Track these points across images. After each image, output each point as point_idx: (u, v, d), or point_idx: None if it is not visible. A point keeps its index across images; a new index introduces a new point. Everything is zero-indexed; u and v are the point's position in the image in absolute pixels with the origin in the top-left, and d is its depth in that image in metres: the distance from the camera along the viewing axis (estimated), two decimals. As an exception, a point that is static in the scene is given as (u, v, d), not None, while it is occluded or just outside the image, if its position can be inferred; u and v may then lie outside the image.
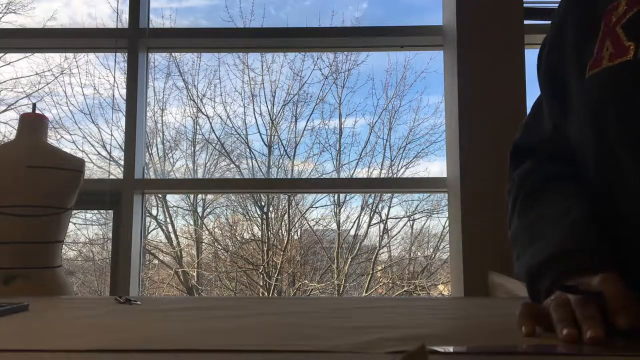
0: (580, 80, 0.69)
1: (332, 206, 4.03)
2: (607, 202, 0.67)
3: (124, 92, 2.77)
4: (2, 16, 3.68)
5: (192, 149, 3.89)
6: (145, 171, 2.74)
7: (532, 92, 2.23)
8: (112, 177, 3.05)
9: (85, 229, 3.96)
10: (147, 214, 3.60)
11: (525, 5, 2.31)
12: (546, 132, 0.79)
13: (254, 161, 3.85)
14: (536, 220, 0.72)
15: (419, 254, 4.16)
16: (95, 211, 3.66)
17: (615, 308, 0.50)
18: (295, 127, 3.81)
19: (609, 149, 0.65)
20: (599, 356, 0.45)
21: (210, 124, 3.82)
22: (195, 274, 4.02)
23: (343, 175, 3.85)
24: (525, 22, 2.30)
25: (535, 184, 0.77)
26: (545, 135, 0.79)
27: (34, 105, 1.75)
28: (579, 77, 0.69)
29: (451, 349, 0.48)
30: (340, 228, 4.01)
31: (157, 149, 3.86)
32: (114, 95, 3.35)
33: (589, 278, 0.56)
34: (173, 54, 3.59)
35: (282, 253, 3.99)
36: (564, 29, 0.76)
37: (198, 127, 3.88)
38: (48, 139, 1.77)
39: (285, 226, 4.03)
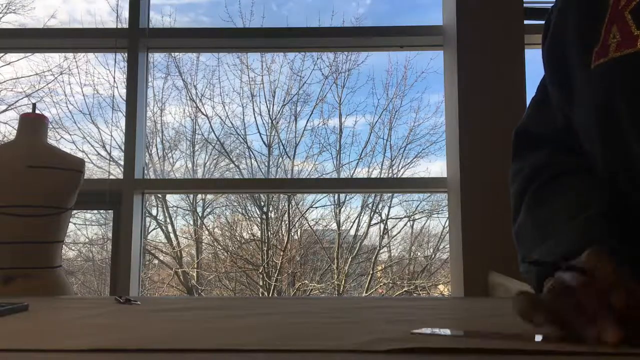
0: (586, 69, 0.65)
1: (332, 206, 4.03)
2: (616, 194, 0.65)
3: (123, 92, 2.77)
4: (2, 16, 3.69)
5: (192, 149, 3.90)
6: (145, 171, 2.74)
7: (532, 92, 2.22)
8: (112, 177, 3.05)
9: (85, 229, 3.97)
10: (147, 214, 3.60)
11: (525, 5, 2.31)
12: (558, 122, 0.74)
13: (253, 161, 3.85)
14: (547, 217, 0.68)
15: (419, 254, 4.16)
16: (95, 211, 3.66)
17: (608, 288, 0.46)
18: (295, 126, 3.82)
19: (618, 143, 0.62)
20: (598, 355, 0.45)
21: (210, 123, 3.83)
22: (195, 274, 4.02)
23: (343, 175, 3.86)
24: (525, 22, 2.30)
25: (549, 177, 0.72)
26: (558, 125, 0.74)
27: (34, 105, 1.75)
28: (584, 65, 0.65)
29: (448, 332, 0.48)
30: (340, 228, 4.01)
31: (157, 149, 3.87)
32: (113, 95, 3.35)
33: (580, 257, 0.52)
34: (172, 53, 3.59)
35: (282, 253, 3.99)
36: (568, 7, 0.71)
37: (197, 127, 3.88)
38: (48, 139, 1.77)
39: (285, 226, 4.03)
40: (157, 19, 3.53)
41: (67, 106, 3.69)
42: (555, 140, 0.76)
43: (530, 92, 2.21)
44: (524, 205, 0.73)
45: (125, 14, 2.69)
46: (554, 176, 0.72)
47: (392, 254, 4.19)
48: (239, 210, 4.15)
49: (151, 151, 3.77)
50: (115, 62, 2.99)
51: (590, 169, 0.70)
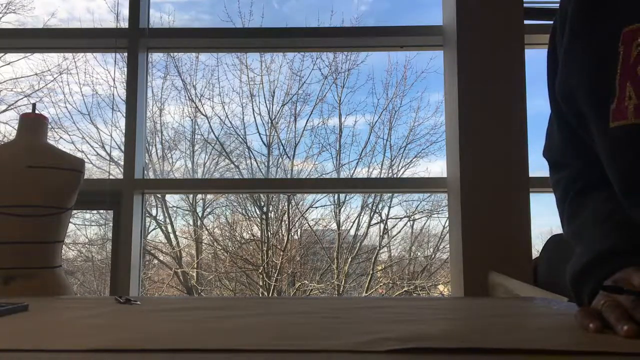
0: (602, 123, 0.68)
1: (332, 206, 4.03)
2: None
3: (123, 92, 2.77)
4: (2, 16, 3.69)
5: (191, 149, 3.89)
6: (145, 171, 2.74)
7: (532, 92, 2.23)
8: (111, 177, 3.04)
9: (85, 229, 3.97)
10: (147, 214, 3.60)
11: (525, 5, 2.31)
12: (565, 152, 0.83)
13: (253, 161, 3.85)
14: (580, 227, 0.76)
15: (419, 254, 4.16)
16: (95, 211, 3.66)
17: None
18: (295, 126, 3.82)
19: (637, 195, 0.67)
20: (598, 355, 0.45)
21: (209, 124, 3.82)
22: (194, 274, 4.02)
23: (343, 175, 3.85)
24: (525, 22, 2.30)
25: (576, 193, 0.81)
26: (566, 157, 0.83)
27: (34, 105, 1.75)
28: (600, 118, 0.68)
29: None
30: (340, 228, 4.01)
31: (156, 149, 3.86)
32: (113, 96, 3.35)
33: (626, 274, 0.59)
34: (171, 53, 3.59)
35: (281, 253, 3.99)
36: (576, 41, 0.72)
37: (197, 127, 3.88)
38: (47, 139, 1.77)
39: (285, 226, 4.03)
40: (157, 17, 3.53)
41: (66, 106, 3.70)
42: (568, 165, 0.85)
43: (530, 92, 2.21)
44: (564, 217, 0.83)
45: (124, 12, 2.69)
46: (579, 192, 0.81)
47: (392, 254, 4.20)
48: (239, 210, 4.16)
49: (151, 151, 3.77)
50: (115, 62, 2.98)
51: (603, 182, 0.76)
